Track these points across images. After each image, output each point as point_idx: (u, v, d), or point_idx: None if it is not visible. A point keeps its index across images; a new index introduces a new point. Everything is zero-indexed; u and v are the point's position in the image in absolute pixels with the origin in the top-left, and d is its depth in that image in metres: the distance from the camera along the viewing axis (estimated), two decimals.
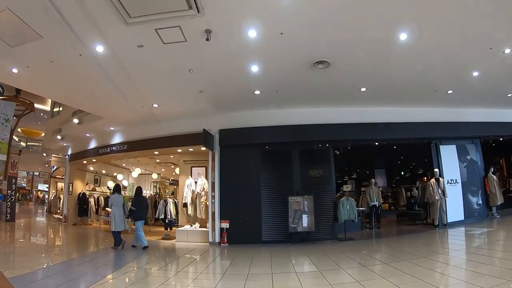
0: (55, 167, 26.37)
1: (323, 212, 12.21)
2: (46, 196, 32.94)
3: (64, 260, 9.13)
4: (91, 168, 21.75)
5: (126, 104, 11.92)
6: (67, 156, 20.53)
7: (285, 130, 12.26)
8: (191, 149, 13.80)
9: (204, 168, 14.14)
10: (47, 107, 24.81)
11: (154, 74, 9.53)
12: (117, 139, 15.73)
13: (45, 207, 31.65)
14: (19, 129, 30.68)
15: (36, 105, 23.95)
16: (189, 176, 14.17)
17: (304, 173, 12.48)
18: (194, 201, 13.68)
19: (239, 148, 12.58)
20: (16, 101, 21.09)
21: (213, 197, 12.36)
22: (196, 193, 13.65)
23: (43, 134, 25.91)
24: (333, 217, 12.23)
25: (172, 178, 24.58)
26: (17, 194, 50.85)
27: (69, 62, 8.88)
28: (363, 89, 10.95)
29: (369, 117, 12.57)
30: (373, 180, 15.35)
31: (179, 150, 14.34)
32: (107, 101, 11.98)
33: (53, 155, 21.26)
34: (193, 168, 14.62)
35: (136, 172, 18.53)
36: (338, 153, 12.99)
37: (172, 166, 21.45)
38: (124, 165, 21.97)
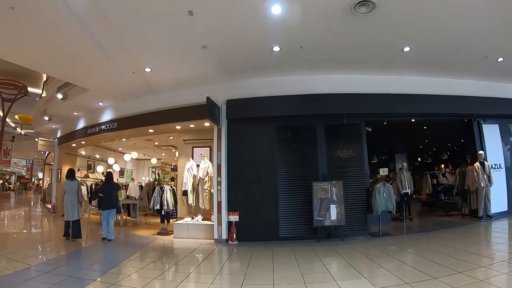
0: (46, 152, 24.28)
1: (355, 201, 9.65)
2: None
3: (24, 267, 6.47)
4: (83, 153, 19.32)
5: (112, 70, 9.41)
6: (55, 140, 18.24)
7: (307, 100, 9.59)
8: (192, 125, 11.16)
9: (208, 148, 11.46)
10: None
11: (143, 20, 6.90)
12: (106, 116, 13.18)
13: (40, 197, 29.22)
14: (16, 116, 29.27)
15: (30, 89, 22.10)
16: (190, 158, 11.46)
17: (331, 154, 9.86)
18: (195, 188, 11.04)
19: (251, 123, 9.88)
20: (7, 85, 20.79)
21: (219, 183, 9.65)
22: (198, 178, 10.97)
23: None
24: (366, 208, 9.69)
25: (173, 163, 22.00)
26: (16, 183, 49.93)
27: (33, 7, 6.51)
28: (406, 49, 8.35)
29: (407, 87, 10.05)
30: (404, 164, 12.85)
31: (178, 127, 11.67)
32: (87, 66, 9.45)
33: (39, 138, 18.90)
34: (194, 148, 11.90)
35: (128, 156, 15.80)
36: (370, 130, 10.36)
37: (173, 150, 18.92)
38: (120, 149, 19.44)
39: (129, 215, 14.69)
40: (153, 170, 21.80)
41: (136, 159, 20.80)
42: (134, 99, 11.70)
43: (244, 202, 9.49)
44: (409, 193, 12.12)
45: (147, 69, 9.30)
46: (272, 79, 9.78)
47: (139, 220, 14.28)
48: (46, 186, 26.10)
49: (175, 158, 20.49)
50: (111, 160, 15.61)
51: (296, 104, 9.61)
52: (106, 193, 10.03)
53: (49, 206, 19.61)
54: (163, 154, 21.55)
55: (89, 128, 14.01)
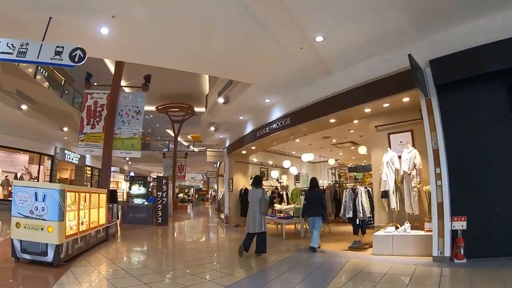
0: (218, 164, 25.06)
1: None
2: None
3: None
4: (255, 160, 18.64)
5: (277, 51, 7.94)
6: (224, 149, 18.07)
7: None
8: (386, 105, 8.55)
9: (409, 132, 8.71)
10: None
11: None
12: (276, 113, 11.79)
13: (215, 206, 30.64)
14: (189, 136, 32.67)
15: (197, 109, 25.86)
16: (388, 149, 8.86)
17: None
18: (399, 188, 8.47)
19: (468, 86, 6.89)
20: (174, 108, 25.74)
21: (438, 176, 6.87)
22: (401, 173, 8.38)
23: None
24: None
25: (351, 163, 19.97)
26: (195, 195, 54.31)
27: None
28: None
29: None
30: None
31: (367, 110, 9.12)
32: (248, 55, 8.33)
33: (208, 149, 18.83)
34: (391, 135, 9.17)
35: (307, 155, 13.97)
36: None
37: (352, 147, 16.76)
38: (294, 153, 18.43)
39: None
40: (333, 171, 19.80)
41: (311, 162, 19.29)
42: (306, 86, 9.93)
43: (471, 201, 6.64)
44: None
45: (319, 38, 7.33)
46: (490, 19, 6.55)
47: (323, 230, 12.32)
48: (221, 197, 26.60)
49: (353, 158, 18.85)
50: (286, 163, 14.20)
51: None
52: (311, 200, 9.37)
53: (223, 215, 19.60)
54: (340, 154, 19.58)
55: (258, 130, 12.92)
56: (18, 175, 18.46)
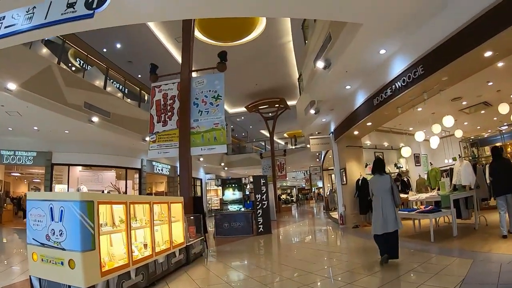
0: (323, 155, 22.37)
1: None
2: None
3: None
4: (368, 143, 15.75)
5: None
6: (330, 135, 15.39)
7: None
8: None
9: None
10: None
11: None
12: (399, 65, 8.60)
13: (322, 205, 28.18)
14: (285, 134, 34.10)
15: (289, 102, 25.31)
16: None
17: None
18: None
19: None
20: (264, 104, 25.65)
21: None
22: None
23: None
24: None
25: (473, 135, 16.11)
26: (298, 195, 53.55)
27: None
28: None
29: None
30: None
31: None
32: None
33: (310, 137, 16.49)
34: None
35: (449, 119, 10.43)
36: None
37: (483, 111, 13.30)
38: (411, 129, 15.18)
39: (458, 216, 9.72)
40: (465, 145, 16.15)
41: (427, 139, 16.22)
42: (438, 14, 6.61)
43: None
44: None
45: None
46: None
47: (479, 223, 9.41)
48: (328, 193, 24.76)
49: (478, 128, 16.08)
50: (419, 136, 11.05)
51: None
52: (498, 173, 8.05)
53: (334, 215, 17.37)
54: (465, 123, 15.65)
55: (375, 96, 10.06)
56: (105, 192, 17.38)
